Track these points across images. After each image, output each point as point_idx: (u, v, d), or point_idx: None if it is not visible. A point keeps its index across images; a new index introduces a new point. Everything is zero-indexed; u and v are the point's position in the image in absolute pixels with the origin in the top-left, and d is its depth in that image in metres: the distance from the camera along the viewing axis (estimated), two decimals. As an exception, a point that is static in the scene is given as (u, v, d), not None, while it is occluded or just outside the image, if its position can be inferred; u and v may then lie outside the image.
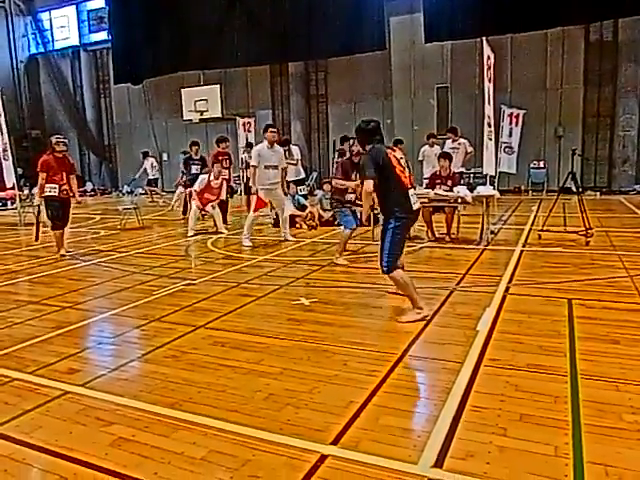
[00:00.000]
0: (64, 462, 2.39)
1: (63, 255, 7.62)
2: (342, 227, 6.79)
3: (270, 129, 8.04)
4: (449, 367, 3.24)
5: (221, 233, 9.27)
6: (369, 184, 4.27)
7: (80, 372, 3.41)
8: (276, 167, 7.97)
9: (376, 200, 4.67)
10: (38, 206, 8.91)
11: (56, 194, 7.50)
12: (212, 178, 9.52)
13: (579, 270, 5.76)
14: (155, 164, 17.08)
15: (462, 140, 11.01)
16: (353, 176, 6.65)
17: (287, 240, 8.27)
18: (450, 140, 11.07)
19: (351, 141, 7.24)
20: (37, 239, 9.06)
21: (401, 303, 4.65)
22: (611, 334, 3.71)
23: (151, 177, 17.00)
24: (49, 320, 4.57)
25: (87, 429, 2.67)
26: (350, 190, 6.73)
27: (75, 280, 6.18)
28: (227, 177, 10.82)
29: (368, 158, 4.37)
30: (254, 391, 3.02)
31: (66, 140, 7.79)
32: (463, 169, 11.10)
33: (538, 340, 3.64)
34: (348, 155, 7.25)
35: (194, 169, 11.54)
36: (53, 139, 7.69)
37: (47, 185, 7.45)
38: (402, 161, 4.48)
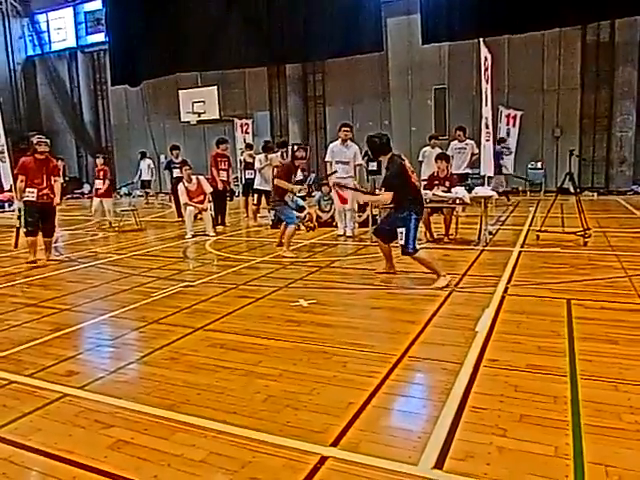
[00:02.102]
0: (63, 465, 2.38)
1: (33, 261, 7.13)
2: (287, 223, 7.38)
3: (343, 128, 8.47)
4: (448, 368, 3.24)
5: (208, 235, 9.25)
6: (388, 196, 5.36)
7: (79, 374, 3.39)
8: (347, 163, 8.33)
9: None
10: (19, 210, 7.90)
11: (34, 199, 7.01)
12: (186, 184, 9.47)
13: (577, 270, 5.76)
14: (152, 166, 16.99)
15: (469, 141, 11.02)
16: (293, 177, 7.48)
17: (344, 235, 8.63)
18: (457, 140, 11.06)
19: (295, 147, 7.63)
20: (16, 245, 8.50)
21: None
22: (610, 334, 3.71)
23: (145, 178, 16.91)
24: (47, 322, 4.55)
25: (86, 432, 2.66)
26: (290, 190, 7.40)
27: (73, 282, 6.17)
28: (226, 179, 10.84)
29: (392, 174, 5.39)
30: (253, 393, 3.02)
31: (48, 140, 7.19)
32: (469, 170, 11.08)
33: (537, 341, 3.64)
34: (290, 158, 7.72)
35: (175, 173, 11.60)
36: (34, 139, 7.11)
37: (27, 189, 6.95)
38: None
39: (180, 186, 9.57)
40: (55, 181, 7.29)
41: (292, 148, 8.01)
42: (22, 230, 7.53)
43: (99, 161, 11.61)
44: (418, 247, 5.44)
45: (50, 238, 7.48)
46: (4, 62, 22.59)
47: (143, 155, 17.16)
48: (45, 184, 7.10)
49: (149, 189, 17.22)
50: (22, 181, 6.98)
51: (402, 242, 5.38)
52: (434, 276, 5.42)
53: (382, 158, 5.57)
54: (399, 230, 5.40)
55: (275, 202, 7.53)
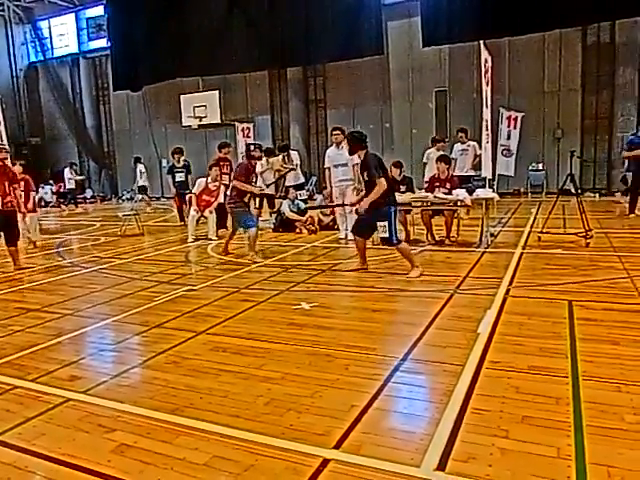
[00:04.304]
0: (67, 469, 2.39)
1: None
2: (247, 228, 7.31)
3: (334, 132, 8.69)
4: (450, 370, 3.24)
5: (210, 239, 9.26)
6: (384, 181, 5.69)
7: (82, 379, 3.41)
8: (345, 165, 8.41)
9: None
10: None
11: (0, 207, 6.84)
12: (210, 180, 9.55)
13: (579, 272, 5.76)
14: (143, 170, 16.79)
15: (471, 142, 11.01)
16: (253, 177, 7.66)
17: (346, 239, 8.49)
18: (459, 142, 11.06)
19: (252, 147, 7.70)
20: None
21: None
22: (612, 335, 3.71)
23: (140, 184, 16.78)
24: (50, 327, 4.57)
25: (89, 436, 2.67)
26: (256, 192, 7.71)
27: (76, 287, 6.19)
28: (227, 182, 10.86)
29: (375, 161, 5.78)
30: (256, 396, 3.02)
31: (7, 147, 7.16)
32: (472, 172, 11.05)
33: (539, 342, 3.65)
34: (247, 158, 7.69)
35: (178, 177, 11.64)
36: None
37: None
38: None
39: (202, 179, 9.63)
40: (15, 189, 7.14)
41: (247, 147, 7.81)
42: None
43: (17, 169, 9.42)
44: (401, 238, 6.05)
45: (15, 247, 7.27)
46: (7, 68, 22.70)
47: (137, 160, 16.99)
48: (7, 191, 6.97)
49: (145, 195, 17.03)
50: None
51: (386, 235, 5.78)
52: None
53: (359, 153, 5.98)
54: (380, 223, 5.78)
55: (235, 204, 7.33)
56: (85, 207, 19.56)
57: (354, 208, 8.34)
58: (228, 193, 8.09)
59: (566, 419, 2.60)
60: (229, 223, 8.45)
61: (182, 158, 11.94)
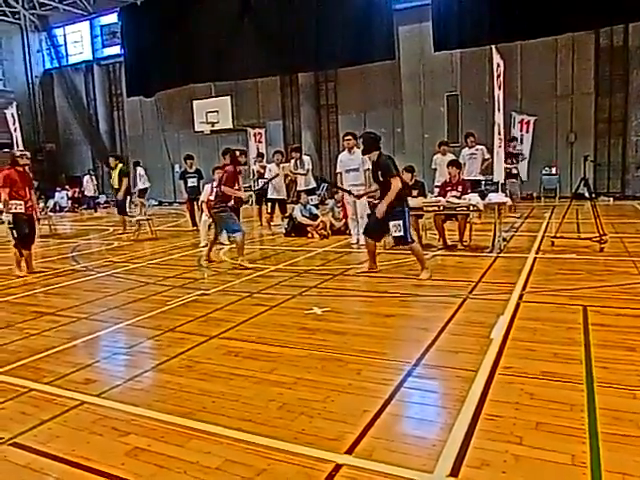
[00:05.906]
0: (81, 472, 2.42)
1: (24, 277, 7.13)
2: (235, 233, 7.30)
3: (345, 137, 8.68)
4: (463, 375, 3.23)
5: (222, 244, 9.28)
6: (399, 182, 5.84)
7: (96, 382, 3.44)
8: (356, 170, 8.40)
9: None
10: (8, 222, 7.25)
11: (23, 211, 7.14)
12: (215, 185, 9.60)
13: (593, 277, 5.70)
14: (142, 173, 16.70)
15: (479, 146, 10.95)
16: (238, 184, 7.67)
17: (358, 243, 8.41)
18: (467, 147, 11.01)
19: (237, 153, 7.78)
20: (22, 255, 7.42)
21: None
22: (627, 341, 3.67)
23: (140, 187, 16.74)
24: (65, 331, 4.62)
25: (103, 439, 2.69)
26: (244, 199, 7.91)
27: (90, 291, 6.25)
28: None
29: (389, 162, 5.90)
30: (268, 400, 3.03)
31: (28, 154, 7.41)
32: (481, 176, 10.99)
33: (553, 348, 3.61)
34: (232, 164, 7.63)
35: (190, 182, 11.73)
36: (16, 152, 7.42)
37: (12, 201, 7.04)
38: None
39: (208, 186, 9.69)
40: (32, 193, 7.39)
41: (233, 153, 7.78)
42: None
43: None
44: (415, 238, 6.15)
45: (30, 250, 7.45)
46: (22, 75, 23.09)
47: (136, 164, 16.93)
48: (28, 196, 7.23)
49: (142, 199, 16.95)
50: (7, 194, 7.04)
51: (400, 234, 5.85)
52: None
53: (372, 154, 6.09)
54: (393, 223, 5.84)
55: (219, 209, 7.33)
56: (99, 212, 19.78)
57: (365, 213, 8.37)
58: (212, 198, 8.08)
59: (581, 426, 2.57)
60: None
61: (194, 163, 12.05)
